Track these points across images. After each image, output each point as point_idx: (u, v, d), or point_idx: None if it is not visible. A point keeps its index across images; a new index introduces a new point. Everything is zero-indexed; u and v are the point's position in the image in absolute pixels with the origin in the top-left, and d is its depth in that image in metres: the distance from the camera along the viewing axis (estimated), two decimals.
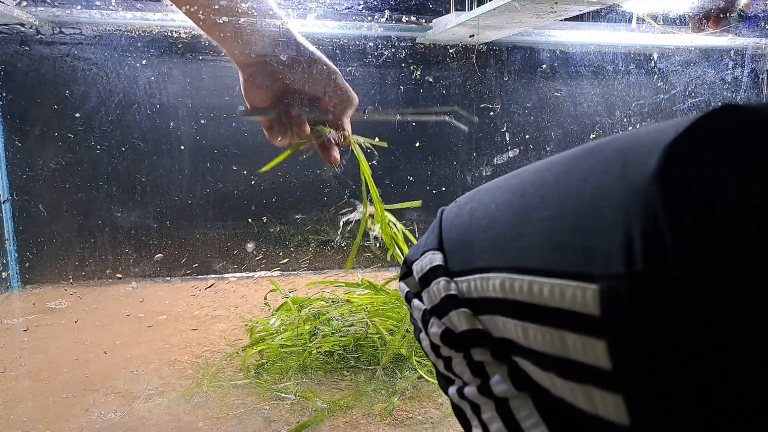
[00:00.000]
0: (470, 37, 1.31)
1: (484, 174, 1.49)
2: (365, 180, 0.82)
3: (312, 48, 0.66)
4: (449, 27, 1.19)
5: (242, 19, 0.62)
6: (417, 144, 1.45)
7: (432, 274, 0.32)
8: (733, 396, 0.18)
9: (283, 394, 0.82)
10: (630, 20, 1.35)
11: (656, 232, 0.19)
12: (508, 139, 1.49)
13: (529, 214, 0.26)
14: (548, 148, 1.52)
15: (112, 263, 1.32)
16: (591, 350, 0.21)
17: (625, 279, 0.20)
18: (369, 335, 0.93)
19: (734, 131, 0.19)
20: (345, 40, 1.33)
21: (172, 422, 0.75)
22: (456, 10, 1.21)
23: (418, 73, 1.42)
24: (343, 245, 1.44)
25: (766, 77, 1.50)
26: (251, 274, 1.40)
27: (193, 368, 0.91)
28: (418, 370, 0.88)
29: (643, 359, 0.20)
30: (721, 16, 0.78)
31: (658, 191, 0.19)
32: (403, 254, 0.85)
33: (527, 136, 1.50)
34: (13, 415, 0.76)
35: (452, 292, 0.30)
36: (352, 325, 0.95)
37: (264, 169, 0.89)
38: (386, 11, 1.28)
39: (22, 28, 1.19)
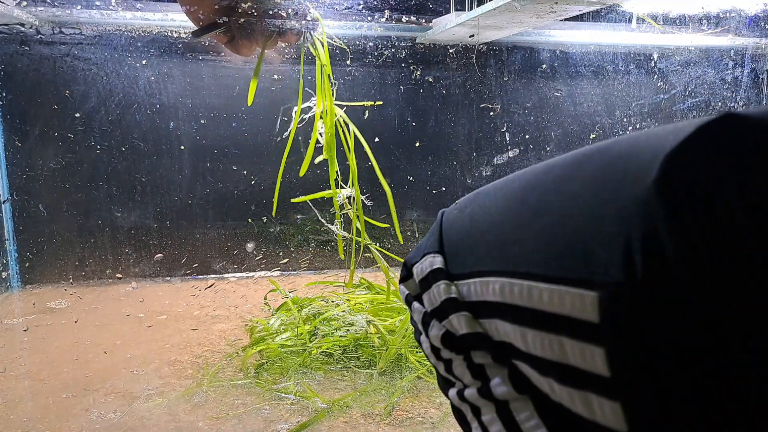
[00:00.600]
0: (470, 37, 1.31)
1: (484, 174, 1.49)
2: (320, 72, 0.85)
3: None
4: (449, 27, 1.19)
5: None
6: (417, 144, 1.45)
7: (432, 276, 0.32)
8: (733, 405, 0.18)
9: (283, 394, 0.82)
10: (630, 20, 1.35)
11: (656, 240, 0.19)
12: (508, 139, 1.49)
13: (529, 219, 0.26)
14: (548, 148, 1.52)
15: (112, 263, 1.32)
16: (589, 357, 0.21)
17: (624, 287, 0.20)
18: (369, 335, 0.93)
19: (735, 140, 0.19)
20: (345, 40, 1.33)
21: (172, 422, 0.75)
22: (456, 10, 1.21)
23: (418, 73, 1.42)
24: (343, 245, 1.44)
25: (766, 77, 1.50)
26: (251, 274, 1.40)
27: (193, 368, 0.91)
28: (418, 370, 0.88)
29: (642, 366, 0.20)
30: None
31: (659, 200, 0.19)
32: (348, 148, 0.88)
33: (527, 136, 1.50)
34: (13, 414, 0.76)
35: (452, 295, 0.30)
36: (352, 325, 0.95)
37: (302, 172, 0.92)
38: (386, 11, 1.28)
39: (22, 28, 1.19)
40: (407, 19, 1.32)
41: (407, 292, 0.35)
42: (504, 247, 0.27)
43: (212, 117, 1.32)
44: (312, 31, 0.82)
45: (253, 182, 1.37)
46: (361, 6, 1.25)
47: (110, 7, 1.15)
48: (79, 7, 1.14)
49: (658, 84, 1.51)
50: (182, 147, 1.32)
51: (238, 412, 0.77)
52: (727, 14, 1.34)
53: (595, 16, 1.36)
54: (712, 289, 0.18)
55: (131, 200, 1.31)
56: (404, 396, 0.82)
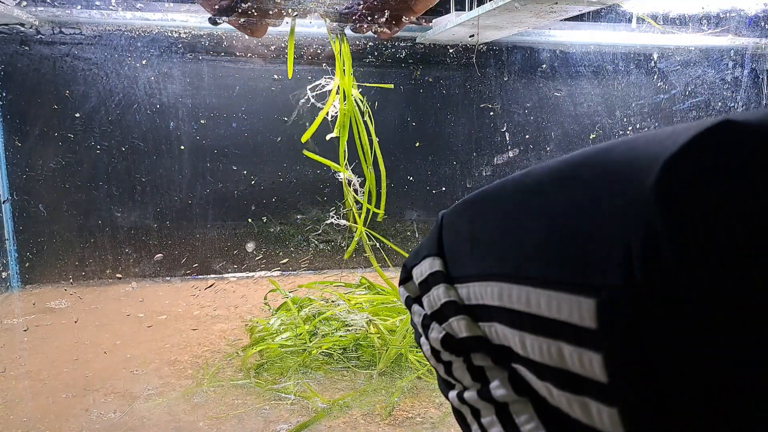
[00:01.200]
0: (470, 37, 1.31)
1: (484, 174, 1.49)
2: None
3: None
4: (449, 27, 1.19)
5: None
6: (417, 144, 1.45)
7: (431, 279, 0.32)
8: (731, 412, 0.19)
9: (283, 394, 0.82)
10: (630, 20, 1.35)
11: (655, 247, 0.19)
12: (508, 139, 1.49)
13: (527, 222, 0.26)
14: (548, 148, 1.52)
15: (112, 263, 1.32)
16: (587, 362, 0.22)
17: (622, 293, 0.20)
18: (369, 335, 0.93)
19: (732, 146, 0.19)
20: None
21: (172, 422, 0.75)
22: (456, 10, 1.21)
23: (418, 72, 1.42)
24: (342, 245, 1.44)
25: (766, 77, 1.50)
26: (251, 274, 1.40)
27: (193, 368, 0.91)
28: (418, 370, 0.88)
29: (639, 373, 0.20)
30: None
31: (657, 207, 0.19)
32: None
33: (527, 136, 1.50)
34: (13, 414, 0.76)
35: (452, 298, 0.30)
36: (351, 325, 0.95)
37: (305, 137, 0.94)
38: (386, 11, 1.28)
39: (22, 28, 1.19)
40: (407, 19, 1.32)
41: (407, 294, 0.35)
42: (502, 251, 0.27)
43: (212, 117, 1.32)
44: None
45: (253, 182, 1.37)
46: (361, 6, 1.25)
47: (110, 7, 1.15)
48: (79, 7, 1.14)
49: (658, 84, 1.51)
50: (182, 147, 1.32)
51: (238, 412, 0.77)
52: (727, 14, 1.34)
53: (595, 16, 1.36)
54: (710, 297, 0.18)
55: (131, 200, 1.31)
56: (404, 396, 0.82)
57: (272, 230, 1.39)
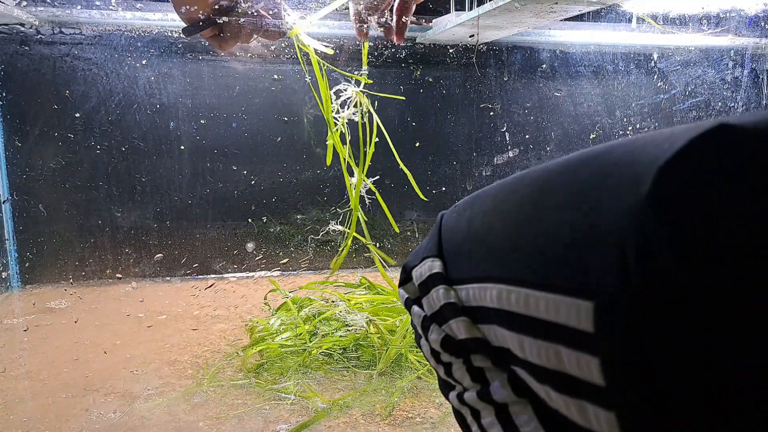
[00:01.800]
0: (470, 37, 1.31)
1: (484, 174, 1.49)
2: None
3: None
4: (449, 27, 1.19)
5: None
6: (417, 144, 1.45)
7: (431, 281, 0.32)
8: (729, 416, 0.19)
9: (283, 394, 0.82)
10: (630, 20, 1.35)
11: (650, 253, 0.19)
12: (508, 139, 1.49)
13: (526, 225, 0.26)
14: (548, 148, 1.52)
15: (112, 263, 1.32)
16: (585, 366, 0.22)
17: (619, 298, 0.20)
18: (369, 335, 0.93)
19: (728, 151, 0.19)
20: (345, 40, 1.33)
21: (172, 422, 0.75)
22: (456, 10, 1.21)
23: (418, 73, 1.42)
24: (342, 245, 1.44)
25: (766, 77, 1.50)
26: (251, 274, 1.40)
27: (193, 368, 0.91)
28: (418, 370, 0.88)
29: (637, 377, 0.20)
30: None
31: (652, 213, 0.19)
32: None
33: (527, 136, 1.50)
34: (13, 415, 0.76)
35: (451, 300, 0.30)
36: (351, 325, 0.95)
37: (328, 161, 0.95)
38: (386, 11, 1.27)
39: (22, 28, 1.19)
40: (407, 18, 1.32)
41: (407, 295, 0.35)
42: (501, 253, 0.27)
43: (212, 117, 1.32)
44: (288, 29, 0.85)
45: (253, 182, 1.37)
46: (361, 5, 1.25)
47: (110, 7, 1.15)
48: (79, 7, 1.14)
49: (658, 84, 1.51)
50: (182, 147, 1.32)
51: (238, 412, 0.77)
52: (727, 14, 1.34)
53: (595, 16, 1.36)
54: (706, 301, 0.19)
55: (131, 200, 1.31)
56: (404, 396, 0.82)
57: (272, 230, 1.39)
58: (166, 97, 1.29)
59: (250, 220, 1.38)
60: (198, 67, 1.30)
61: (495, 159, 1.49)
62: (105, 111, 1.26)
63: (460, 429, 0.33)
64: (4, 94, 1.22)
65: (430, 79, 1.43)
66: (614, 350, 0.21)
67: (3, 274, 1.26)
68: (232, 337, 1.03)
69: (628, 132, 1.53)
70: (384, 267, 0.98)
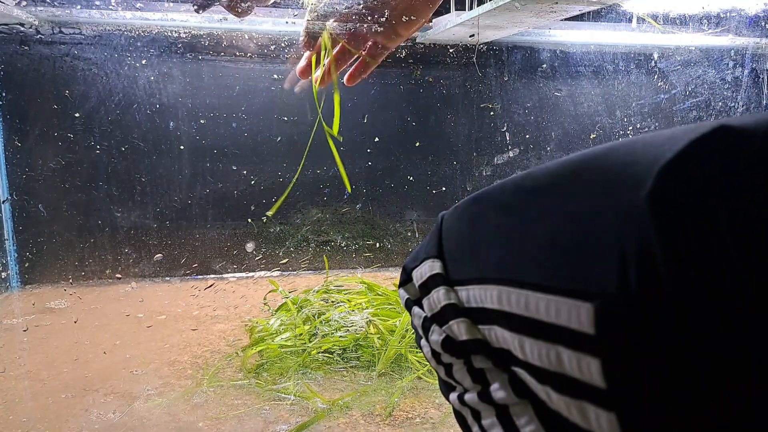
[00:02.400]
0: (470, 36, 1.31)
1: (484, 174, 1.49)
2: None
3: None
4: (449, 27, 1.19)
5: None
6: (417, 144, 1.45)
7: (431, 282, 0.32)
8: (726, 420, 0.19)
9: (283, 395, 0.82)
10: (630, 20, 1.35)
11: (650, 256, 0.19)
12: (508, 139, 1.49)
13: (526, 226, 0.26)
14: (548, 148, 1.51)
15: (111, 263, 1.32)
16: (585, 368, 0.22)
17: (619, 300, 0.20)
18: (369, 335, 0.93)
19: (727, 154, 0.19)
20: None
21: (172, 422, 0.75)
22: (456, 9, 1.21)
23: (418, 72, 1.42)
24: (342, 245, 1.44)
25: (766, 77, 1.50)
26: (251, 274, 1.40)
27: (193, 368, 0.91)
28: (418, 371, 0.88)
29: (637, 379, 0.20)
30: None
31: (651, 216, 0.19)
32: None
33: (527, 136, 1.50)
34: (13, 415, 0.76)
35: (452, 301, 0.30)
36: (351, 325, 0.95)
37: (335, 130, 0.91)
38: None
39: (22, 28, 1.19)
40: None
41: (407, 296, 0.35)
42: (501, 254, 0.27)
43: (212, 117, 1.32)
44: None
45: (253, 182, 1.37)
46: (361, 5, 1.25)
47: (110, 7, 1.15)
48: (78, 7, 1.14)
49: (659, 84, 1.51)
50: (182, 147, 1.32)
51: (238, 413, 0.77)
52: (728, 14, 1.34)
53: (596, 16, 1.36)
54: (706, 306, 0.18)
55: (131, 200, 1.31)
56: (404, 396, 0.82)
57: (272, 230, 1.39)
58: (166, 97, 1.29)
59: (249, 220, 1.38)
60: (198, 67, 1.30)
61: (495, 159, 1.49)
62: (105, 111, 1.26)
63: (461, 430, 0.33)
64: (3, 94, 1.22)
65: (430, 79, 1.43)
66: (615, 352, 0.21)
67: (3, 274, 1.26)
68: (231, 337, 1.03)
69: (628, 132, 1.53)
70: None
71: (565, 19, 1.11)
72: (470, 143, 1.48)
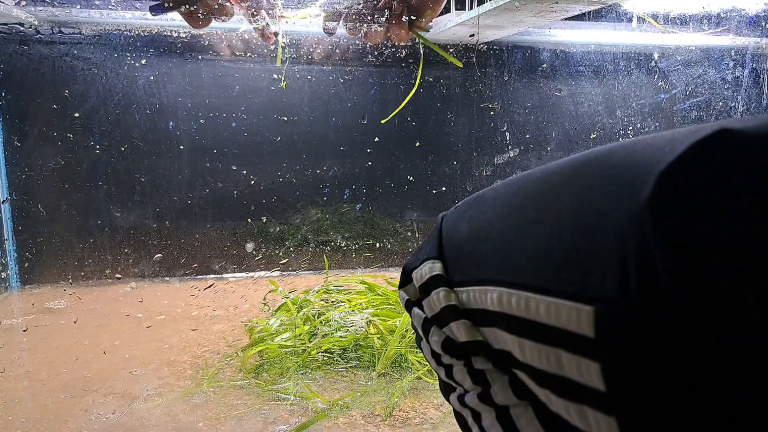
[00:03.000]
0: (470, 36, 1.30)
1: (484, 174, 1.49)
2: None
3: None
4: (449, 26, 1.19)
5: None
6: (417, 144, 1.45)
7: (432, 283, 0.32)
8: (727, 424, 0.19)
9: (283, 395, 0.81)
10: (630, 20, 1.35)
11: (649, 260, 0.19)
12: (508, 138, 1.49)
13: (527, 228, 0.26)
14: (548, 148, 1.51)
15: (111, 263, 1.32)
16: (585, 371, 0.22)
17: (619, 304, 0.20)
18: (369, 335, 0.93)
19: (728, 158, 0.19)
20: (345, 39, 1.33)
21: (171, 423, 0.74)
22: (456, 9, 1.21)
23: (419, 72, 1.42)
24: (342, 245, 1.44)
25: (766, 77, 1.50)
26: (251, 274, 1.40)
27: (193, 369, 0.90)
28: (418, 371, 0.88)
29: (637, 384, 0.20)
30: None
31: (651, 221, 0.19)
32: None
33: (527, 136, 1.50)
34: (12, 415, 0.76)
35: (452, 302, 0.30)
36: (351, 325, 0.95)
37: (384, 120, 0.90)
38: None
39: (21, 28, 1.19)
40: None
41: (407, 297, 0.35)
42: (502, 256, 0.27)
43: (212, 117, 1.32)
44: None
45: (252, 182, 1.37)
46: (361, 5, 1.25)
47: (110, 7, 1.15)
48: (78, 6, 1.14)
49: (659, 84, 1.51)
50: (182, 147, 1.31)
51: (238, 413, 0.77)
52: (728, 14, 1.34)
53: (596, 16, 1.36)
54: (704, 311, 0.18)
55: (131, 200, 1.31)
56: (404, 396, 0.82)
57: (272, 230, 1.39)
58: (166, 96, 1.29)
59: (249, 220, 1.38)
60: (198, 67, 1.30)
61: (495, 159, 1.49)
62: (104, 111, 1.26)
63: (461, 431, 0.33)
64: (3, 94, 1.22)
65: (430, 79, 1.42)
66: (614, 356, 0.20)
67: (2, 274, 1.25)
68: (231, 337, 1.03)
69: (628, 131, 1.53)
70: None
71: (565, 19, 1.11)
72: (470, 143, 1.48)
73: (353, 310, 1.00)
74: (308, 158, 1.40)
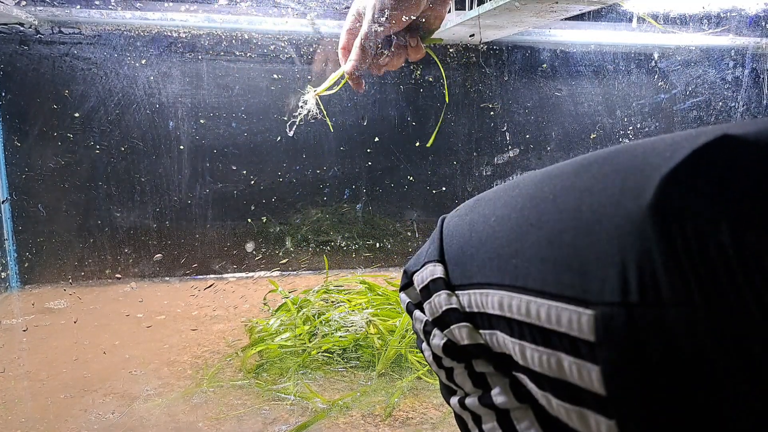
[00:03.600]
0: (470, 36, 1.30)
1: (484, 174, 1.49)
2: None
3: None
4: (449, 26, 1.19)
5: None
6: (417, 144, 1.45)
7: (433, 286, 0.32)
8: (726, 428, 0.19)
9: (283, 395, 0.81)
10: (630, 20, 1.35)
11: (650, 265, 0.19)
12: (508, 139, 1.49)
13: (527, 231, 0.26)
14: (549, 148, 1.51)
15: (111, 263, 1.32)
16: (586, 374, 0.22)
17: (619, 308, 0.20)
18: (369, 335, 0.93)
19: (729, 165, 0.19)
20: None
21: (171, 423, 0.74)
22: (456, 9, 1.21)
23: (418, 72, 1.42)
24: (342, 245, 1.44)
25: (766, 77, 1.50)
26: (251, 274, 1.40)
27: (193, 369, 0.90)
28: (418, 371, 0.88)
29: (637, 388, 0.20)
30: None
31: (652, 227, 0.19)
32: None
33: (527, 136, 1.50)
34: (12, 415, 0.76)
35: (453, 305, 0.30)
36: (351, 325, 0.95)
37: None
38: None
39: (22, 28, 1.19)
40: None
41: (408, 300, 0.35)
42: (502, 259, 0.27)
43: (212, 117, 1.32)
44: None
45: (252, 182, 1.37)
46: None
47: (110, 7, 1.15)
48: (78, 6, 1.14)
49: (659, 84, 1.51)
50: (182, 147, 1.31)
51: (238, 413, 0.77)
52: (728, 14, 1.34)
53: (596, 16, 1.36)
54: (704, 316, 0.18)
55: (130, 200, 1.31)
56: (404, 396, 0.82)
57: (272, 230, 1.39)
58: (166, 97, 1.29)
59: (249, 220, 1.38)
60: (198, 67, 1.30)
61: (495, 159, 1.49)
62: (104, 111, 1.26)
63: None
64: (3, 94, 1.22)
65: (430, 79, 1.42)
66: (615, 360, 0.20)
67: (2, 274, 1.25)
68: (231, 337, 1.03)
69: (628, 131, 1.53)
70: None
71: (565, 19, 1.11)
72: (470, 143, 1.48)
73: (353, 310, 1.00)
74: (308, 158, 1.40)
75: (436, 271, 0.32)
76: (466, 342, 0.29)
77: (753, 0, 1.33)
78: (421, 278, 0.33)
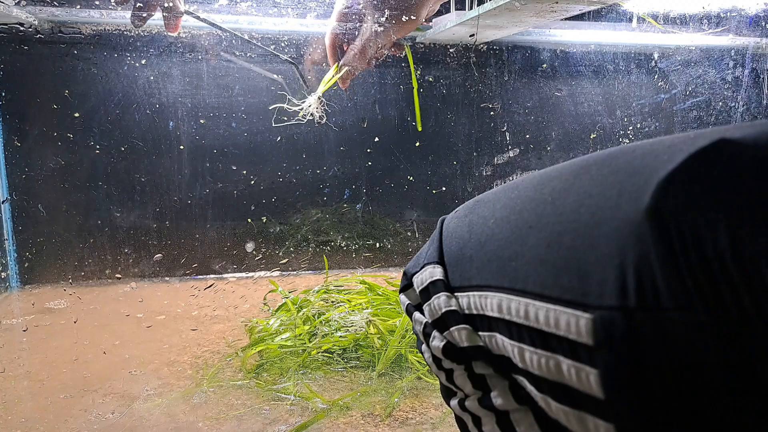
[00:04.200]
0: (470, 36, 1.30)
1: (484, 174, 1.49)
2: None
3: None
4: (449, 26, 1.19)
5: None
6: (417, 144, 1.45)
7: (432, 288, 0.32)
8: (723, 430, 0.19)
9: (283, 395, 0.81)
10: (630, 20, 1.35)
11: (648, 269, 0.19)
12: (508, 139, 1.49)
13: (526, 234, 0.26)
14: (549, 148, 1.51)
15: (111, 263, 1.32)
16: (585, 378, 0.22)
17: (618, 312, 0.20)
18: (369, 335, 0.93)
19: (726, 169, 0.19)
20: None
21: (171, 423, 0.74)
22: (456, 9, 1.20)
23: (418, 72, 1.42)
24: (342, 245, 1.44)
25: (766, 77, 1.50)
26: (251, 274, 1.40)
27: (193, 369, 0.90)
28: (418, 371, 0.88)
29: (635, 391, 0.20)
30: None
31: (651, 230, 0.19)
32: None
33: (527, 136, 1.50)
34: (12, 415, 0.76)
35: (453, 307, 0.30)
36: (351, 325, 0.95)
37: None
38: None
39: (22, 28, 1.19)
40: (407, 18, 1.31)
41: (408, 302, 0.35)
42: (501, 261, 0.27)
43: (212, 117, 1.32)
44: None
45: (252, 182, 1.37)
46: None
47: (110, 7, 1.15)
48: (78, 6, 1.14)
49: (659, 84, 1.51)
50: (182, 147, 1.31)
51: (238, 413, 0.77)
52: (728, 14, 1.34)
53: (596, 16, 1.36)
54: (701, 319, 0.18)
55: (131, 200, 1.31)
56: (404, 396, 0.82)
57: (272, 230, 1.39)
58: (166, 97, 1.29)
59: (249, 220, 1.38)
60: (198, 67, 1.29)
61: (495, 159, 1.49)
62: (104, 111, 1.26)
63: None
64: (3, 94, 1.22)
65: (430, 79, 1.42)
66: (613, 363, 0.20)
67: (2, 274, 1.26)
68: (231, 337, 1.03)
69: (628, 131, 1.53)
70: None
71: (565, 19, 1.11)
72: (470, 143, 1.48)
73: (353, 310, 1.00)
74: (308, 158, 1.40)
75: (435, 272, 0.32)
76: (465, 344, 0.29)
77: (753, 0, 1.33)
78: (420, 280, 0.33)
